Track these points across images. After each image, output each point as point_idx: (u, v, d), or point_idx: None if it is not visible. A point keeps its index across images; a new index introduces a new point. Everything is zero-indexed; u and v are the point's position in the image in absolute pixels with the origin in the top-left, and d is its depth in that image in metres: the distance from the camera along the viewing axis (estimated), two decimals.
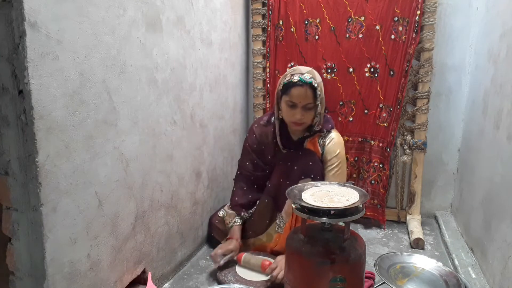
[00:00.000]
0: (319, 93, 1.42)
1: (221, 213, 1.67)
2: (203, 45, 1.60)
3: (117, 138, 1.09)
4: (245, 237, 1.61)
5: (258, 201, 1.62)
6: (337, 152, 1.51)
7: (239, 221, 1.58)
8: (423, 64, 1.80)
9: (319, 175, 1.48)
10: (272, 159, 1.58)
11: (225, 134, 1.91)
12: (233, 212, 1.61)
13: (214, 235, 1.68)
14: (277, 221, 1.56)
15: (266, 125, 1.61)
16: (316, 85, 1.41)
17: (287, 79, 1.43)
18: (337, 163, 1.51)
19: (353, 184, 1.35)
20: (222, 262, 1.43)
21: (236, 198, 1.63)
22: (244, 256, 1.49)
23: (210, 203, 1.77)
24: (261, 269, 1.41)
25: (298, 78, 1.39)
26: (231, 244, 1.49)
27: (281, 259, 1.35)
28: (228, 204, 1.67)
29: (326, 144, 1.51)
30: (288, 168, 1.50)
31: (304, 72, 1.42)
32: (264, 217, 1.58)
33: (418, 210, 1.91)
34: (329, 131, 1.53)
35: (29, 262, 0.90)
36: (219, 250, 1.45)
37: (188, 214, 1.56)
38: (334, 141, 1.51)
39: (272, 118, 1.58)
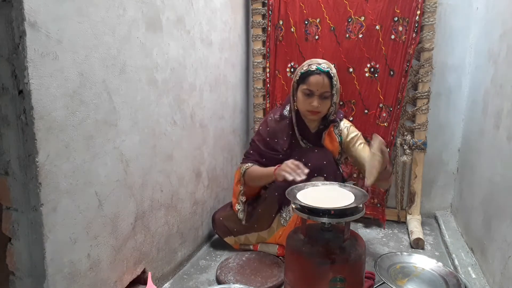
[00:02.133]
0: (335, 82, 1.48)
1: (238, 207, 1.62)
2: (203, 45, 1.60)
3: (117, 138, 1.09)
4: (248, 231, 1.62)
5: (265, 195, 1.61)
6: (355, 130, 1.58)
7: (250, 164, 1.58)
8: (423, 64, 1.80)
9: (332, 175, 1.49)
10: (284, 154, 1.56)
11: (225, 134, 1.91)
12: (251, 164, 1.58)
13: (218, 232, 1.67)
14: (284, 214, 1.56)
15: (279, 120, 1.61)
16: (332, 74, 1.47)
17: (304, 69, 1.49)
18: (359, 136, 1.56)
19: (354, 184, 1.35)
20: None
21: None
22: (260, 245, 1.63)
23: (210, 203, 1.77)
24: (277, 254, 1.58)
25: (316, 67, 1.46)
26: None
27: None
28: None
29: (343, 129, 1.57)
30: (303, 164, 1.44)
31: (321, 63, 1.49)
32: (271, 212, 1.59)
33: (418, 210, 1.91)
34: (341, 120, 1.59)
35: (29, 262, 0.90)
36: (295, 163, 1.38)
37: (188, 214, 1.56)
38: (349, 124, 1.59)
39: (285, 112, 1.60)
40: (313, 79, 1.46)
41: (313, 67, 1.46)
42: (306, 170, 1.33)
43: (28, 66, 0.80)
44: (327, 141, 1.57)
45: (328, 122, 1.57)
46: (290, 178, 1.31)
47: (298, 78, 1.51)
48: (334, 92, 1.48)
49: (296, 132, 1.57)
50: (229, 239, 1.66)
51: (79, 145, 0.95)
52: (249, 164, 1.58)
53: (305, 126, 1.58)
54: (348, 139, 1.55)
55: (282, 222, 1.57)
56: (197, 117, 1.58)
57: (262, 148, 1.60)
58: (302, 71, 1.49)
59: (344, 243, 1.07)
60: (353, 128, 1.58)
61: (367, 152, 1.43)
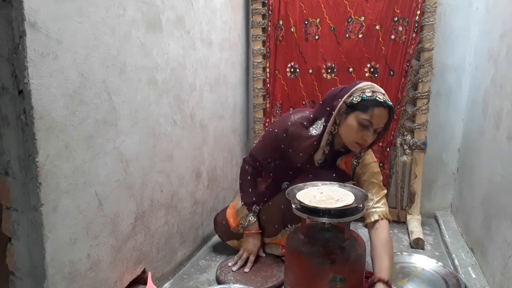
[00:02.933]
0: (392, 117, 1.29)
1: (251, 218, 1.53)
2: (203, 45, 1.60)
3: (117, 138, 1.09)
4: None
5: (275, 198, 1.52)
6: (373, 161, 1.39)
7: (253, 218, 1.53)
8: (423, 64, 1.81)
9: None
10: (297, 167, 1.43)
11: (225, 134, 1.91)
12: (246, 211, 1.54)
13: (220, 235, 1.65)
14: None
15: (303, 131, 1.39)
16: (392, 111, 1.28)
17: (367, 95, 1.25)
18: (374, 163, 1.39)
19: (354, 184, 1.35)
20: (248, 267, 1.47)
21: (249, 196, 1.54)
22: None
23: (210, 203, 1.77)
24: (281, 253, 1.56)
25: (384, 100, 1.24)
26: (254, 238, 1.52)
27: None
28: (233, 202, 1.64)
29: (360, 159, 1.39)
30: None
31: (384, 93, 1.29)
32: (275, 221, 1.52)
33: (418, 210, 1.91)
34: (364, 151, 1.41)
35: (29, 262, 0.90)
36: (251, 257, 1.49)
37: (188, 214, 1.56)
38: (368, 154, 1.41)
39: (312, 130, 1.38)
40: (378, 112, 1.24)
41: (381, 98, 1.24)
42: (247, 270, 1.44)
43: (28, 66, 0.80)
44: (342, 165, 1.42)
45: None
46: (234, 268, 1.45)
47: (357, 102, 1.26)
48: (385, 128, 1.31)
49: (318, 156, 1.39)
50: (232, 242, 1.63)
51: (79, 145, 0.95)
52: (252, 219, 1.53)
53: (336, 153, 1.41)
54: (363, 166, 1.39)
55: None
56: (197, 117, 1.58)
57: (274, 154, 1.48)
58: (365, 97, 1.25)
59: (344, 243, 1.07)
60: (373, 163, 1.39)
61: (371, 189, 1.33)
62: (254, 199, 1.53)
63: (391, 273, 1.15)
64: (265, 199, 1.55)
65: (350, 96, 1.28)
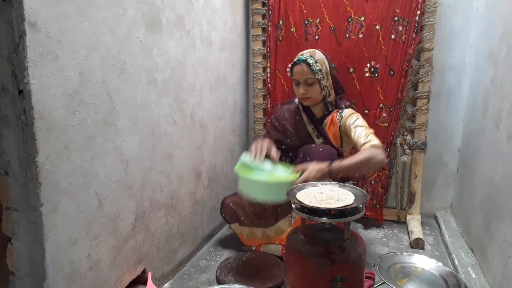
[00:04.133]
0: (317, 67, 1.54)
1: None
2: (203, 45, 1.60)
3: (117, 138, 1.09)
4: (255, 225, 1.63)
5: None
6: (352, 112, 1.57)
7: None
8: (423, 64, 1.80)
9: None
10: (293, 139, 1.65)
11: (225, 134, 1.91)
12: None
13: (225, 216, 1.66)
14: (294, 214, 1.56)
15: (288, 107, 1.71)
16: (311, 61, 1.54)
17: (293, 62, 1.59)
18: (356, 117, 1.54)
19: (354, 184, 1.35)
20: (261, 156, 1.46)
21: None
22: (263, 246, 1.62)
23: (210, 203, 1.77)
24: (281, 254, 1.56)
25: (297, 58, 1.57)
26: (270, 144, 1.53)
27: (312, 165, 1.34)
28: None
29: (343, 117, 1.58)
30: (307, 162, 1.46)
31: (304, 52, 1.59)
32: (276, 207, 1.59)
33: (418, 210, 1.91)
34: (346, 107, 1.63)
35: (29, 262, 0.90)
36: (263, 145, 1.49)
37: (188, 214, 1.56)
38: (348, 111, 1.59)
39: (295, 100, 1.72)
40: (295, 69, 1.57)
41: (296, 58, 1.57)
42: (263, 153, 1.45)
43: (28, 66, 0.80)
44: (329, 126, 1.61)
45: (332, 108, 1.62)
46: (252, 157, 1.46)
47: (289, 71, 1.63)
48: (318, 77, 1.54)
49: (303, 116, 1.65)
50: (235, 226, 1.66)
51: (79, 145, 0.95)
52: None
53: (311, 112, 1.65)
54: (347, 122, 1.55)
55: (292, 222, 1.58)
56: (197, 117, 1.58)
57: (272, 133, 1.70)
58: (291, 64, 1.60)
59: (344, 243, 1.07)
60: (353, 115, 1.57)
61: (358, 139, 1.47)
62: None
63: (341, 165, 1.34)
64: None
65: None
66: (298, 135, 1.65)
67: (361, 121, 1.53)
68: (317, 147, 1.54)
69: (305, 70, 1.54)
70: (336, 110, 1.61)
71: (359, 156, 1.36)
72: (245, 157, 1.42)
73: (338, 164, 1.33)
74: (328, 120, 1.61)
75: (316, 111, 1.64)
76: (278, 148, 1.60)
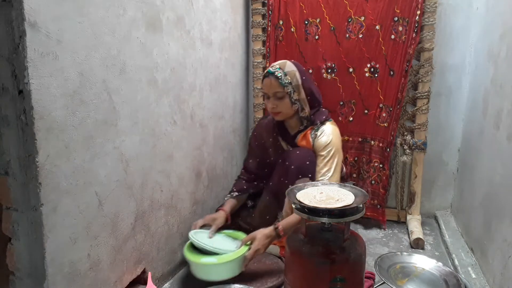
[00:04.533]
0: (284, 81, 1.45)
1: (226, 198, 1.66)
2: (203, 45, 1.60)
3: (117, 138, 1.09)
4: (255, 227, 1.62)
5: (259, 199, 1.62)
6: (328, 142, 1.47)
7: (228, 196, 1.63)
8: (423, 64, 1.80)
9: (313, 175, 1.48)
10: (274, 157, 1.61)
11: (225, 134, 1.91)
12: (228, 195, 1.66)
13: None
14: (278, 220, 1.56)
15: (267, 122, 1.66)
16: (279, 74, 1.45)
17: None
18: (327, 151, 1.46)
19: (354, 184, 1.35)
20: (198, 227, 1.47)
21: (233, 187, 1.67)
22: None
23: (210, 203, 1.77)
24: (280, 254, 1.56)
25: (267, 70, 1.50)
26: (217, 214, 1.53)
27: (259, 233, 1.37)
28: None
29: (318, 136, 1.49)
30: (287, 167, 1.50)
31: (275, 64, 1.51)
32: (265, 216, 1.59)
33: (418, 210, 1.91)
34: (322, 123, 1.52)
35: (29, 262, 0.90)
36: (200, 220, 1.50)
37: (188, 214, 1.56)
38: (325, 133, 1.49)
39: (270, 116, 1.65)
40: (264, 82, 1.50)
41: (265, 70, 1.51)
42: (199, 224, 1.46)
43: (28, 66, 0.80)
44: (301, 142, 1.53)
45: (308, 124, 1.53)
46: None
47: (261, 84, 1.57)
48: (288, 90, 1.45)
49: (277, 133, 1.60)
50: None
51: (79, 145, 0.95)
52: (228, 196, 1.64)
53: (285, 129, 1.59)
54: (317, 150, 1.48)
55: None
56: (197, 117, 1.58)
57: (257, 152, 1.66)
58: (262, 76, 1.55)
59: (344, 243, 1.07)
60: (328, 137, 1.47)
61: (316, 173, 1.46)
62: (237, 188, 1.65)
63: (287, 223, 1.38)
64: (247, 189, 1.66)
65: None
66: (277, 153, 1.59)
67: (327, 151, 1.45)
68: (294, 151, 1.50)
69: (273, 84, 1.46)
70: (311, 127, 1.52)
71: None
72: (193, 236, 1.38)
73: (283, 224, 1.37)
74: (300, 136, 1.53)
75: (290, 126, 1.58)
76: (261, 174, 1.64)
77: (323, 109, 1.58)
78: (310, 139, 1.51)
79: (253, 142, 1.68)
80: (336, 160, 1.46)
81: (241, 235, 1.49)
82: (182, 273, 1.50)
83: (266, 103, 1.52)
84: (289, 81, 1.46)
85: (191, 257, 1.33)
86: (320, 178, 1.43)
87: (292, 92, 1.46)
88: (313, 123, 1.52)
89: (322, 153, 1.47)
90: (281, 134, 1.60)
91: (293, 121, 1.55)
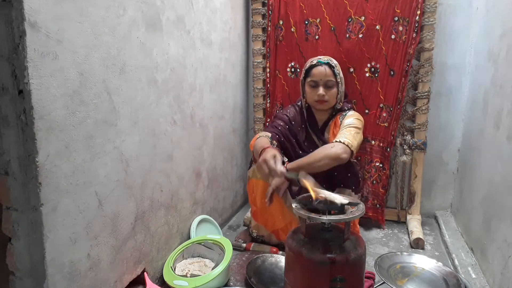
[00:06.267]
0: (337, 71, 1.59)
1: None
2: (203, 45, 1.60)
3: (117, 138, 1.09)
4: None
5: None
6: (354, 116, 1.57)
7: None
8: (423, 64, 1.80)
9: (357, 187, 1.55)
10: (299, 147, 1.62)
11: (225, 134, 1.91)
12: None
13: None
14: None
15: (294, 111, 1.69)
16: (333, 64, 1.59)
17: (307, 65, 1.61)
18: (352, 119, 1.55)
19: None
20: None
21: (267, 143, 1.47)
22: (253, 245, 1.65)
23: (210, 203, 1.77)
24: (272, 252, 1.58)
25: (317, 61, 1.60)
26: (273, 150, 1.35)
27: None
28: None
29: (345, 116, 1.59)
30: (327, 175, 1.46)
31: (322, 57, 1.63)
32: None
33: (418, 210, 1.91)
34: (349, 109, 1.64)
35: (29, 262, 0.90)
36: (275, 184, 1.48)
37: (188, 214, 1.56)
38: (352, 113, 1.60)
39: (298, 104, 1.71)
40: (315, 70, 1.57)
41: (314, 61, 1.60)
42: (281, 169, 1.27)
43: (28, 66, 0.80)
44: (333, 130, 1.61)
45: (336, 112, 1.63)
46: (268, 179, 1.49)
47: (304, 74, 1.63)
48: (338, 80, 1.58)
49: (307, 125, 1.65)
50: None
51: (79, 145, 0.95)
52: (268, 134, 1.54)
53: (314, 120, 1.65)
54: (343, 124, 1.56)
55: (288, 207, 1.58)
56: (197, 117, 1.58)
57: (283, 131, 1.61)
58: (306, 67, 1.62)
59: (344, 243, 1.07)
60: (352, 116, 1.57)
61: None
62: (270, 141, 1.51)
63: (298, 164, 1.42)
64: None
65: (302, 73, 1.65)
66: (303, 145, 1.63)
67: (353, 121, 1.53)
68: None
69: (328, 72, 1.56)
70: (339, 113, 1.63)
71: (313, 155, 1.41)
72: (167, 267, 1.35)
73: (292, 163, 1.42)
74: (332, 123, 1.63)
75: (320, 117, 1.65)
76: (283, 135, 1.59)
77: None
78: (339, 123, 1.59)
79: (284, 115, 1.65)
80: (356, 129, 1.51)
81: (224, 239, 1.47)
82: None
83: (312, 92, 1.58)
84: (338, 71, 1.59)
85: (167, 276, 1.31)
86: (338, 139, 1.45)
87: (340, 83, 1.59)
88: (341, 110, 1.63)
89: (346, 124, 1.54)
90: (310, 125, 1.65)
91: (324, 113, 1.64)
